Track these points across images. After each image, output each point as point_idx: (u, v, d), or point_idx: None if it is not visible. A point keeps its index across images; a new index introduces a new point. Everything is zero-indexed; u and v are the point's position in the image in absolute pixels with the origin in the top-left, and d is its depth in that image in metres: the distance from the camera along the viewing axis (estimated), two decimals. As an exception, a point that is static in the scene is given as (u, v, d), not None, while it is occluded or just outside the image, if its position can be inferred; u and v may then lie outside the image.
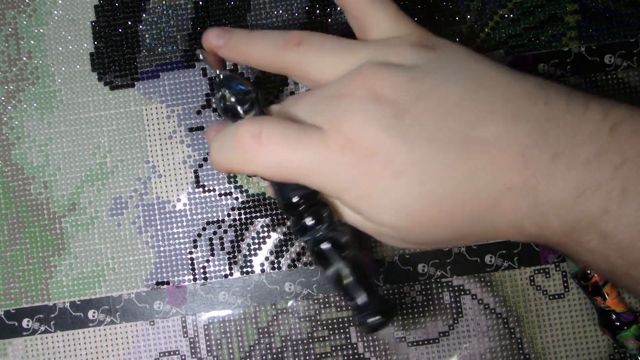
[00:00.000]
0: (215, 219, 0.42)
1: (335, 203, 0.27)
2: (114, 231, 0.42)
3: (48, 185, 0.42)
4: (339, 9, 0.42)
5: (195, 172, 0.42)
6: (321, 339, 0.41)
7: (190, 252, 0.42)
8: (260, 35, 0.29)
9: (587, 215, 0.22)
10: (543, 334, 0.41)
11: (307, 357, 0.41)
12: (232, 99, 0.29)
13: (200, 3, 0.43)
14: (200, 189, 0.42)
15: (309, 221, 0.26)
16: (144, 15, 0.43)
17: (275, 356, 0.41)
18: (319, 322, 0.41)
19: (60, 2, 0.43)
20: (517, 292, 0.41)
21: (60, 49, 0.43)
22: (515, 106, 0.23)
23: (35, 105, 0.43)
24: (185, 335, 0.41)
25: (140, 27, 0.43)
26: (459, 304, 0.41)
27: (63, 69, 0.43)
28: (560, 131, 0.22)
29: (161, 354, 0.41)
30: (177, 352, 0.41)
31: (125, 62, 0.43)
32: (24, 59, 0.43)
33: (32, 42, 0.43)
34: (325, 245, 0.26)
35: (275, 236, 0.42)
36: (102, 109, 0.42)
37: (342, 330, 0.41)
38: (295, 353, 0.41)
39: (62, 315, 0.41)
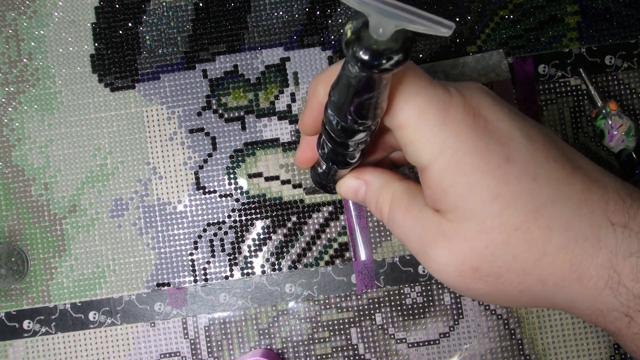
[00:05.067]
0: (215, 221, 0.42)
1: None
2: (114, 233, 0.42)
3: (49, 186, 0.42)
4: (339, 10, 0.42)
5: (196, 173, 0.42)
6: (322, 340, 0.41)
7: (191, 254, 0.42)
8: None
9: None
10: (543, 334, 0.41)
11: (308, 358, 0.41)
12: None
13: (201, 5, 0.43)
14: (201, 191, 0.42)
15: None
16: (144, 17, 0.43)
17: (276, 357, 0.41)
18: (319, 324, 0.41)
19: (60, 3, 0.43)
20: (517, 293, 0.41)
21: (60, 50, 0.43)
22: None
23: (35, 106, 0.43)
24: (186, 336, 0.41)
25: (141, 28, 0.43)
26: (459, 305, 0.41)
27: (63, 70, 0.43)
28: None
29: (162, 356, 0.41)
30: (177, 354, 0.41)
31: (125, 63, 0.43)
32: (25, 60, 0.43)
33: (32, 43, 0.43)
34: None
35: (275, 237, 0.42)
36: (102, 110, 0.42)
37: (342, 332, 0.41)
38: (296, 354, 0.41)
39: (62, 317, 0.41)
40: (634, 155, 0.39)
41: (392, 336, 0.41)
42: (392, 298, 0.41)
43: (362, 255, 0.41)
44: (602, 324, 0.22)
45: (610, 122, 0.39)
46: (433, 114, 0.20)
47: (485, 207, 0.20)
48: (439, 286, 0.41)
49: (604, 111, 0.39)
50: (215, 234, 0.42)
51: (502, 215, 0.20)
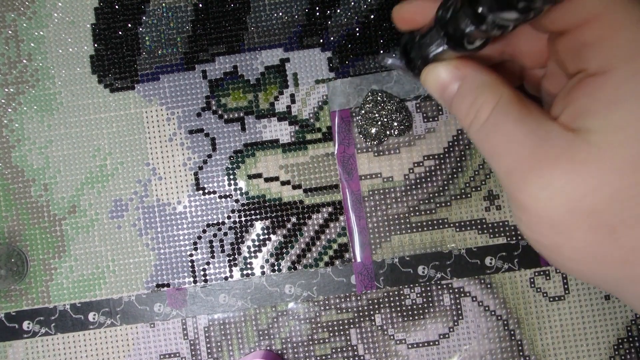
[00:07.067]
0: (215, 222, 0.42)
1: None
2: (114, 233, 0.42)
3: (48, 187, 0.42)
4: (338, 10, 0.42)
5: (196, 174, 0.42)
6: (321, 341, 0.41)
7: (191, 255, 0.42)
8: None
9: None
10: (543, 335, 0.41)
11: (308, 359, 0.41)
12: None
13: (200, 5, 0.43)
14: (201, 192, 0.42)
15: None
16: (143, 18, 0.43)
17: (275, 358, 0.41)
18: (319, 324, 0.41)
19: (60, 4, 0.43)
20: (517, 294, 0.41)
21: (60, 51, 0.43)
22: None
23: (35, 107, 0.43)
24: (186, 337, 0.41)
25: (140, 29, 0.43)
26: (459, 306, 0.41)
27: (63, 71, 0.43)
28: None
29: (162, 356, 0.41)
30: (177, 354, 0.41)
31: (125, 64, 0.43)
32: (24, 61, 0.43)
33: (32, 44, 0.43)
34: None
35: (275, 238, 0.42)
36: (102, 111, 0.42)
37: (342, 332, 0.41)
38: (296, 355, 0.41)
39: (62, 318, 0.41)
40: None
41: (392, 337, 0.41)
42: (391, 299, 0.41)
43: (359, 257, 0.41)
44: None
45: None
46: (636, 7, 0.16)
47: None
48: (439, 287, 0.41)
49: None
50: (214, 235, 0.42)
51: None
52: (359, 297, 0.41)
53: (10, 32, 0.43)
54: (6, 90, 0.43)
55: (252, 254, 0.41)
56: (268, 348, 0.41)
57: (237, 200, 0.42)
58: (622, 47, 0.16)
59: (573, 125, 0.17)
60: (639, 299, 0.18)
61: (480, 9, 0.17)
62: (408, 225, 0.41)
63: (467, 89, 0.20)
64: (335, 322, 0.41)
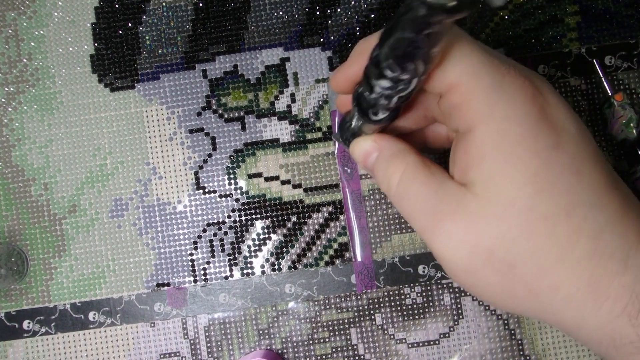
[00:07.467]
0: (215, 221, 0.42)
1: None
2: (114, 233, 0.42)
3: (48, 187, 0.42)
4: (339, 10, 0.42)
5: (196, 173, 0.42)
6: (322, 340, 0.41)
7: (191, 254, 0.42)
8: None
9: None
10: (543, 335, 0.41)
11: (308, 359, 0.41)
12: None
13: (200, 5, 0.43)
14: (201, 191, 0.42)
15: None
16: (144, 17, 0.43)
17: (275, 358, 0.41)
18: (319, 324, 0.41)
19: (60, 4, 0.43)
20: (517, 293, 0.41)
21: (60, 50, 0.43)
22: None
23: (35, 107, 0.43)
24: (186, 336, 0.41)
25: (141, 28, 0.43)
26: (459, 306, 0.41)
27: (63, 70, 0.43)
28: None
29: (162, 356, 0.41)
30: (177, 354, 0.41)
31: (125, 63, 0.43)
32: (25, 60, 0.43)
33: (32, 43, 0.43)
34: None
35: (275, 238, 0.42)
36: (102, 110, 0.42)
37: (342, 332, 0.41)
38: (296, 354, 0.41)
39: (62, 317, 0.41)
40: (637, 149, 0.40)
41: (392, 336, 0.41)
42: (391, 298, 0.41)
43: (360, 256, 0.41)
44: (612, 356, 0.19)
45: (612, 112, 0.40)
46: (488, 75, 0.19)
47: (519, 185, 0.18)
48: (439, 286, 0.41)
49: (611, 101, 0.40)
50: (215, 234, 0.42)
51: (534, 198, 0.18)
52: (359, 297, 0.41)
53: (10, 31, 0.43)
54: (6, 89, 0.43)
55: (253, 254, 0.41)
56: (268, 347, 0.41)
57: (237, 200, 0.42)
58: (478, 110, 0.19)
59: (463, 181, 0.20)
60: (557, 325, 0.20)
61: (372, 80, 0.20)
62: (408, 225, 0.41)
63: (382, 159, 0.23)
64: (335, 322, 0.41)
